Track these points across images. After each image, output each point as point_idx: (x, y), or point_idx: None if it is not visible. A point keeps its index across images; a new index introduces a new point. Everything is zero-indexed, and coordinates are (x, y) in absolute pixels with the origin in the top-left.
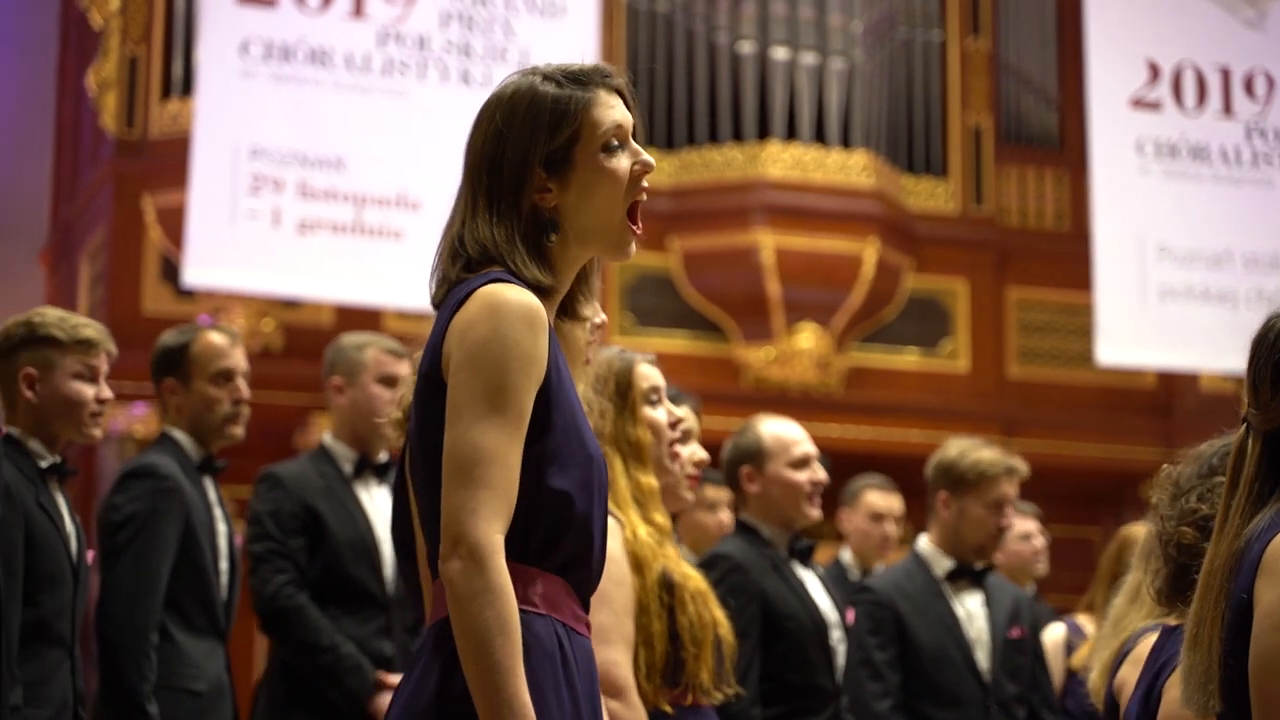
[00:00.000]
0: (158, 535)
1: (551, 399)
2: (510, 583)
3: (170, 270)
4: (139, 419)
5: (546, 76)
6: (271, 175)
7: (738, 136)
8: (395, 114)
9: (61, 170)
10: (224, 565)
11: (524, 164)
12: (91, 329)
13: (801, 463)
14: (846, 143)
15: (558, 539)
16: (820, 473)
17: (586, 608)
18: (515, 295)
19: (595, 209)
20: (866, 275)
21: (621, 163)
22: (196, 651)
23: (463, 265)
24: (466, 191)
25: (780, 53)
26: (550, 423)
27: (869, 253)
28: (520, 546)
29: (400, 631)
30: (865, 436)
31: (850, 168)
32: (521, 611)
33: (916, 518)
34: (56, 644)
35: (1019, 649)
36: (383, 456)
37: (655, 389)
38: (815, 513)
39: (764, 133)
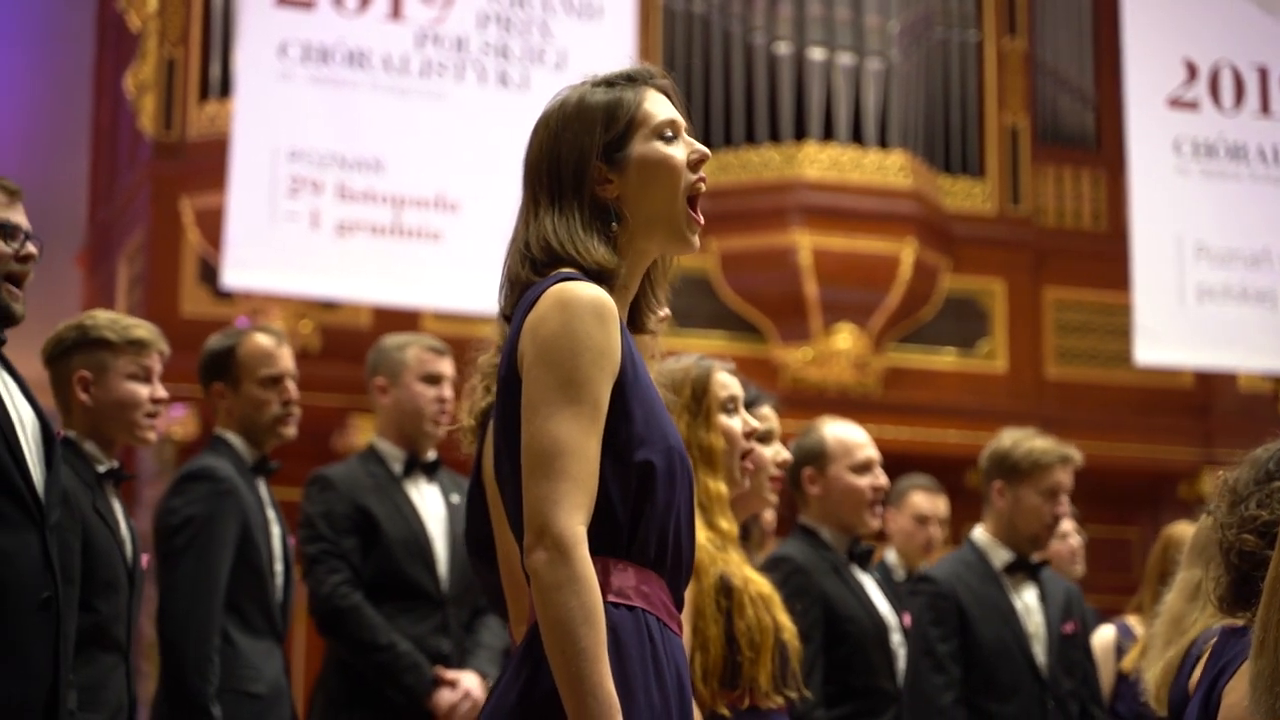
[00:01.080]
0: (217, 537)
1: (628, 390)
2: (594, 573)
3: (208, 272)
4: (178, 420)
5: (595, 83)
6: (310, 177)
7: (775, 137)
8: (433, 115)
9: (99, 172)
10: (279, 567)
11: (582, 157)
12: (143, 329)
13: (864, 467)
14: (883, 143)
15: (643, 529)
16: (882, 478)
17: (679, 604)
18: (584, 290)
19: (656, 196)
20: (904, 275)
21: (678, 151)
22: (255, 653)
23: (530, 266)
24: (526, 198)
25: (817, 53)
26: (629, 414)
27: (906, 253)
28: (610, 539)
29: (457, 628)
30: (903, 437)
31: (887, 168)
32: (612, 604)
33: (957, 518)
34: (112, 649)
35: (1073, 644)
36: (431, 455)
37: (733, 398)
38: (875, 521)
39: (801, 133)
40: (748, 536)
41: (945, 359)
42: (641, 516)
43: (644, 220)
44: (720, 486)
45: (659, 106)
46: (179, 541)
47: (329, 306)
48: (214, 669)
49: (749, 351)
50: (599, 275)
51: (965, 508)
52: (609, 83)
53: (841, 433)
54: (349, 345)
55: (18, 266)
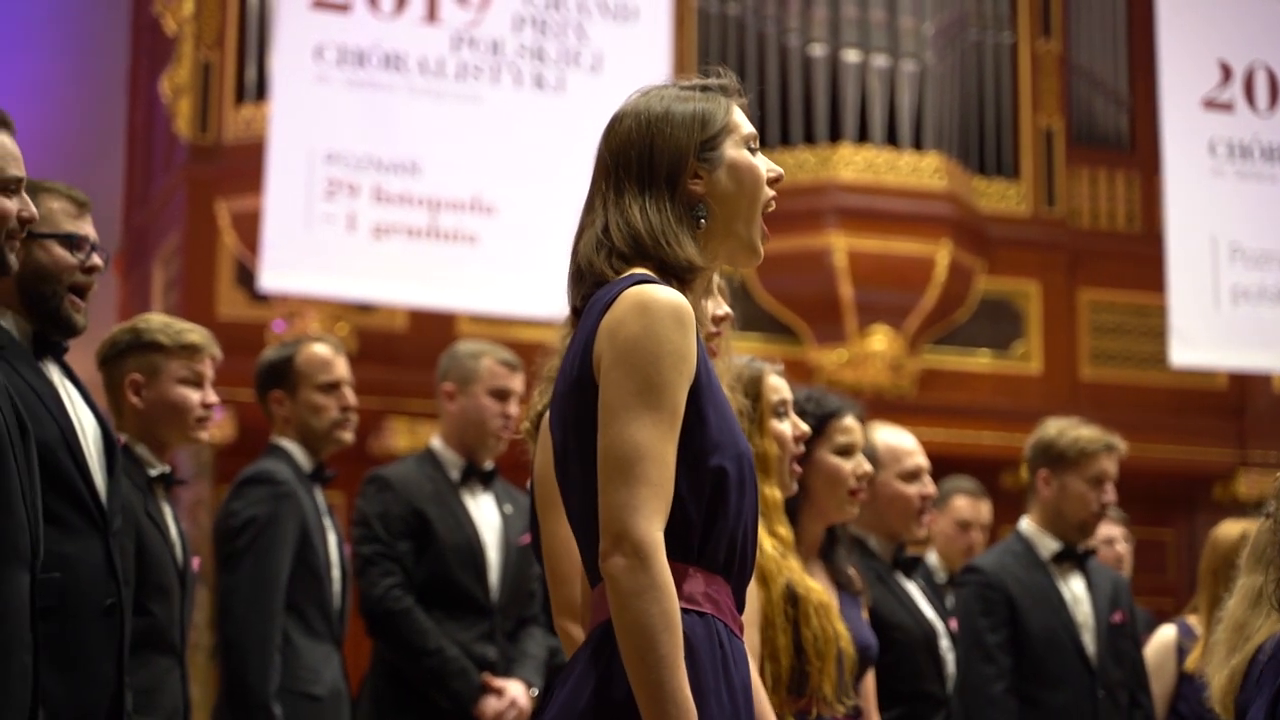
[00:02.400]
0: (277, 538)
1: (702, 395)
2: (672, 580)
3: (244, 275)
4: (216, 424)
5: (685, 85)
6: (347, 180)
7: (809, 139)
8: (469, 118)
9: (133, 176)
10: (336, 573)
11: (680, 150)
12: (196, 333)
13: (913, 475)
14: (918, 145)
15: (715, 536)
16: (930, 486)
17: (741, 608)
18: (663, 294)
19: (740, 202)
20: (939, 277)
21: (761, 164)
22: (315, 656)
23: (607, 256)
24: (608, 184)
25: (851, 55)
26: (703, 418)
27: (941, 255)
28: (681, 544)
29: (502, 637)
30: (938, 439)
31: (922, 170)
32: (683, 610)
33: (993, 519)
34: (168, 652)
35: (1121, 633)
36: (488, 465)
37: (784, 402)
38: (922, 530)
39: (836, 135)
40: (835, 544)
41: (980, 361)
42: (713, 523)
43: (725, 222)
44: (776, 493)
45: (744, 118)
46: (240, 544)
47: (365, 309)
48: (275, 669)
49: (784, 353)
50: (680, 272)
51: (1001, 509)
52: (701, 87)
53: (891, 439)
54: (385, 348)
55: (83, 278)
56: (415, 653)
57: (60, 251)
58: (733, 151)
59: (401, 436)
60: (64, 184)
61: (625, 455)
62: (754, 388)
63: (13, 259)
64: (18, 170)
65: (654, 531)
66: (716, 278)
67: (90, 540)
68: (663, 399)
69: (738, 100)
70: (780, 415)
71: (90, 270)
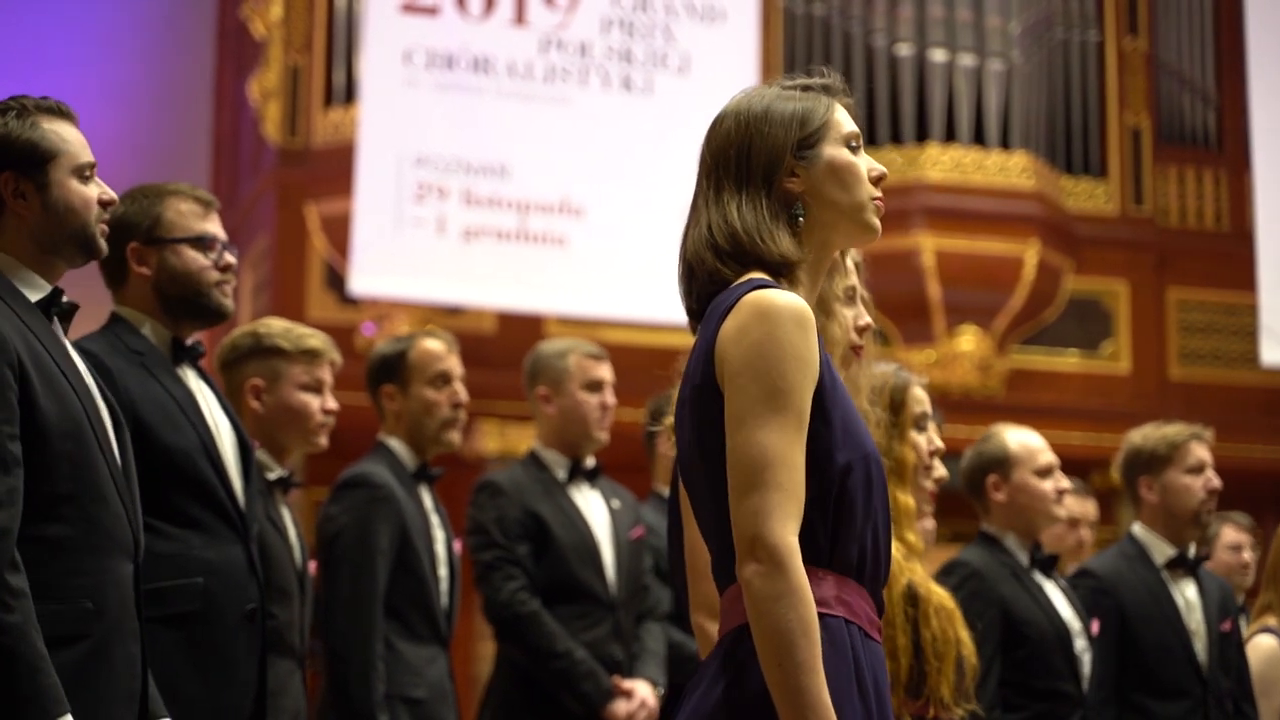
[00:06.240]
0: (370, 544)
1: (826, 397)
2: (808, 584)
3: (334, 278)
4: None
5: (787, 85)
6: (436, 183)
7: (896, 139)
8: (558, 120)
9: (219, 180)
10: (443, 572)
11: (776, 149)
12: (316, 339)
13: (1047, 471)
14: (1005, 144)
15: (843, 537)
16: (1064, 481)
17: (880, 609)
18: (783, 298)
19: (840, 197)
20: (1027, 277)
21: (862, 162)
22: (416, 659)
23: (715, 253)
24: (708, 184)
25: (938, 55)
26: (828, 420)
27: (1030, 254)
28: (810, 547)
29: (627, 634)
30: None
31: (1010, 169)
32: (817, 614)
33: None
34: (289, 654)
35: (1229, 642)
36: (591, 462)
37: (925, 414)
38: (1063, 513)
39: (923, 135)
40: None
41: (1069, 360)
42: (842, 524)
43: (826, 217)
44: (909, 500)
45: (847, 118)
46: (336, 551)
47: (453, 312)
48: (378, 676)
49: (872, 354)
50: (777, 267)
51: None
52: (803, 87)
53: (1023, 438)
54: (473, 351)
55: (219, 276)
56: (544, 655)
57: (192, 254)
58: (831, 150)
59: (491, 439)
60: (188, 184)
61: (755, 461)
62: (900, 396)
63: (102, 242)
64: (90, 156)
65: (788, 536)
66: (859, 287)
67: (232, 546)
68: (789, 403)
69: (841, 99)
70: (921, 428)
71: (225, 269)
